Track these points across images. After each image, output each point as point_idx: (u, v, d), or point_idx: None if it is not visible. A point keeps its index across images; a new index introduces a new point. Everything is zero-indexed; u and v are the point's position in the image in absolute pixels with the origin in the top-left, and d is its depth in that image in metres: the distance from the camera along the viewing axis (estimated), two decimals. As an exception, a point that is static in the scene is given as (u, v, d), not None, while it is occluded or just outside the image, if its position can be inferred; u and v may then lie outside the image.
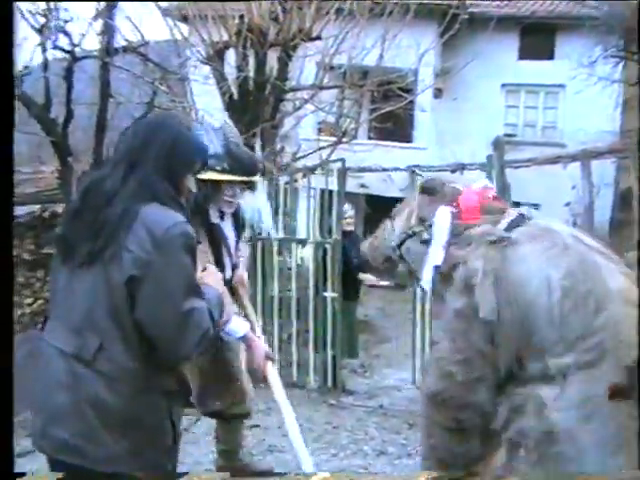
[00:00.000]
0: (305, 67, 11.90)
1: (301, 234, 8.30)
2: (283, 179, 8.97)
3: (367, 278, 8.25)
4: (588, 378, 2.71)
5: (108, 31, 8.63)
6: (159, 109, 9.55)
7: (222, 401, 4.46)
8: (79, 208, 2.60)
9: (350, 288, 8.25)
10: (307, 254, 8.84)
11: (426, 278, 3.36)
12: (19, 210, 8.52)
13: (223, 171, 4.02)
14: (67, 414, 2.46)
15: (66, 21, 8.21)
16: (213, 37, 11.06)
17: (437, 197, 3.45)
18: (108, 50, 8.52)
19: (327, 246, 7.88)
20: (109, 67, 8.58)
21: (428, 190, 3.51)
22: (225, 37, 11.06)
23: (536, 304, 2.85)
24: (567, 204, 13.37)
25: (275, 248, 8.25)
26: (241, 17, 10.76)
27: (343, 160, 8.11)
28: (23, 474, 2.48)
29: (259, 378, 3.90)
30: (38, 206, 8.59)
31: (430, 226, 3.40)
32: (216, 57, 11.09)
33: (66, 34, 8.28)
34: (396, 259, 3.65)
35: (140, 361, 2.50)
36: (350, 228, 8.37)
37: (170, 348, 2.52)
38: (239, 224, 4.40)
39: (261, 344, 3.87)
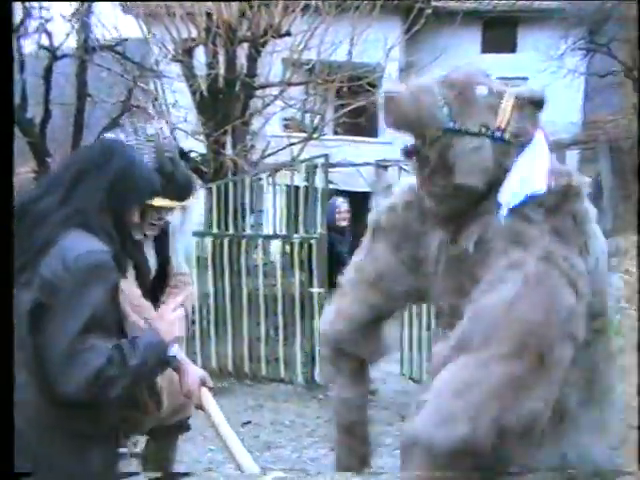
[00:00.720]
0: (273, 64, 11.93)
1: (284, 230, 8.37)
2: (257, 176, 9.04)
3: None
4: (587, 360, 2.62)
5: (85, 30, 8.55)
6: (136, 108, 9.51)
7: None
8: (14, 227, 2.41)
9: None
10: (274, 250, 8.92)
11: (511, 199, 2.54)
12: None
13: (155, 194, 3.24)
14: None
15: (47, 20, 8.11)
16: (182, 34, 11.03)
17: (537, 114, 2.71)
18: (86, 49, 8.45)
19: (312, 242, 7.92)
20: (86, 66, 8.51)
21: (542, 104, 2.73)
22: (194, 34, 11.05)
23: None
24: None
25: (260, 244, 8.34)
26: (209, 14, 10.75)
27: (327, 155, 8.18)
28: (23, 474, 2.35)
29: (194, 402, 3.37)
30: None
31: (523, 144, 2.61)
32: (185, 55, 11.06)
33: (47, 33, 8.18)
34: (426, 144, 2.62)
35: (44, 396, 2.37)
36: (344, 223, 8.24)
37: (55, 383, 2.34)
38: (162, 251, 3.83)
39: (193, 366, 3.40)
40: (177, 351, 3.16)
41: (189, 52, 11.10)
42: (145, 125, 3.55)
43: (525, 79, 19.36)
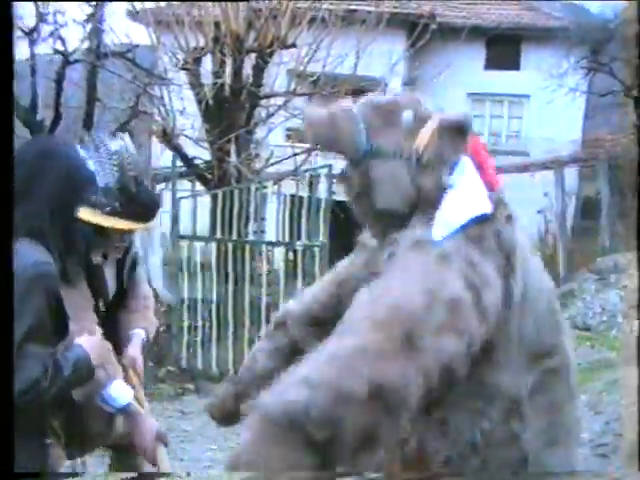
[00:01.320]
0: (278, 75, 12.08)
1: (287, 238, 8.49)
2: (262, 185, 9.19)
3: None
4: (546, 402, 2.50)
5: (97, 36, 8.71)
6: (144, 114, 9.65)
7: None
8: None
9: None
10: (278, 258, 9.07)
11: (449, 224, 2.37)
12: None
13: (113, 213, 3.18)
14: None
15: (61, 25, 8.25)
16: (190, 43, 11.18)
17: (463, 140, 2.49)
18: (97, 54, 8.60)
19: (315, 249, 8.03)
20: (97, 71, 8.66)
21: (463, 127, 2.48)
22: (201, 43, 11.21)
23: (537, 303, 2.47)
24: (539, 211, 13.68)
25: (264, 252, 8.47)
26: (217, 24, 10.91)
27: (330, 166, 8.31)
28: (23, 474, 2.42)
29: (148, 459, 3.21)
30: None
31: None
32: (193, 63, 11.20)
33: (61, 39, 8.33)
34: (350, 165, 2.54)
35: None
36: None
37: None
38: (124, 273, 3.72)
39: (150, 420, 3.22)
40: (132, 401, 3.17)
41: (197, 61, 11.24)
42: (108, 140, 3.27)
43: (527, 96, 19.57)
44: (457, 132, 2.45)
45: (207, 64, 11.34)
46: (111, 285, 3.66)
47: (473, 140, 2.51)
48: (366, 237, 2.82)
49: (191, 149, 11.41)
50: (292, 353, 2.97)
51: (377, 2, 12.97)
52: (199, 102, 10.77)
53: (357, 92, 12.89)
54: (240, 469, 2.07)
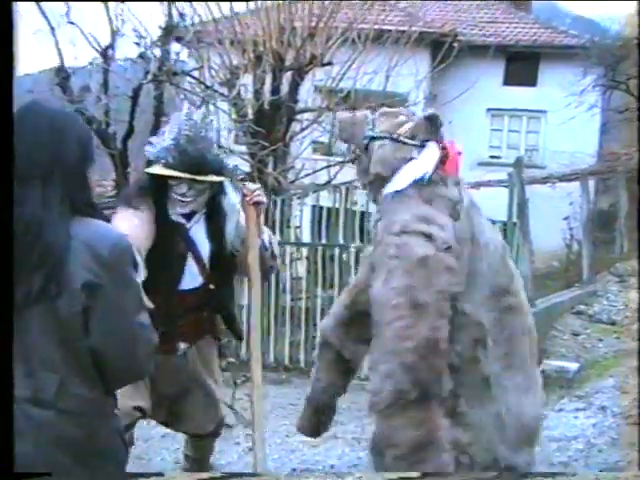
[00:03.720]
0: (311, 91, 12.76)
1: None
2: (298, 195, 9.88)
3: None
4: (502, 334, 3.25)
5: (167, 56, 9.46)
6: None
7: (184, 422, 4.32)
8: None
9: None
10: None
11: (398, 185, 3.27)
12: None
13: (166, 165, 3.77)
14: (35, 460, 2.29)
15: (150, 47, 9.02)
16: (232, 61, 11.84)
17: (436, 131, 3.33)
18: (167, 73, 9.33)
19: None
20: (164, 88, 9.38)
21: (435, 121, 3.32)
22: (241, 61, 11.88)
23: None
24: (565, 218, 14.34)
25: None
26: (255, 42, 11.58)
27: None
28: (23, 474, 2.34)
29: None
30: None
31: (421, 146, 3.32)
32: (233, 79, 11.87)
33: (145, 58, 9.08)
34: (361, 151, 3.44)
35: (97, 389, 2.38)
36: None
37: (125, 367, 2.41)
38: (216, 231, 4.01)
39: None
40: None
41: (238, 77, 11.91)
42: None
43: (544, 112, 20.19)
44: (427, 122, 3.32)
45: (246, 81, 11.99)
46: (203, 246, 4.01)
47: (449, 142, 3.35)
48: (367, 251, 3.75)
49: (232, 160, 12.04)
50: (341, 362, 3.87)
51: (406, 22, 13.66)
52: (242, 117, 11.40)
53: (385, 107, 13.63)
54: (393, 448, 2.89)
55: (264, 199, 4.00)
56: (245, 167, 12.03)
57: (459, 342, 3.10)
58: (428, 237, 3.04)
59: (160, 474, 3.56)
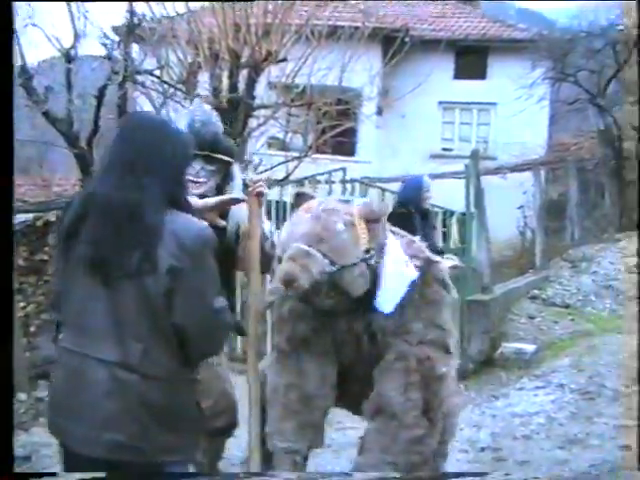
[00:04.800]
0: (267, 87, 12.94)
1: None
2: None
3: None
4: None
5: (129, 56, 9.58)
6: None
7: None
8: (97, 222, 2.60)
9: None
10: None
11: (392, 298, 3.50)
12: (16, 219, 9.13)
13: None
14: (119, 419, 2.57)
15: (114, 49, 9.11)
16: (188, 59, 11.96)
17: (379, 225, 3.60)
18: (131, 72, 9.45)
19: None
20: (127, 87, 9.50)
21: (376, 218, 3.58)
22: (198, 59, 11.99)
23: None
24: (519, 207, 14.71)
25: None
26: (211, 40, 11.70)
27: (344, 169, 9.09)
28: (23, 474, 2.58)
29: None
30: (32, 215, 9.17)
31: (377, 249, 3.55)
32: (191, 78, 11.99)
33: (110, 59, 9.18)
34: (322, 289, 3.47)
35: (179, 360, 2.66)
36: (427, 206, 7.88)
37: (204, 346, 2.73)
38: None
39: None
40: None
41: (194, 75, 12.03)
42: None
43: (494, 104, 20.55)
44: (375, 222, 3.56)
45: (202, 78, 12.12)
46: None
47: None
48: None
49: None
50: None
51: (359, 18, 13.89)
52: (200, 114, 11.49)
53: (340, 102, 13.85)
54: None
55: (266, 190, 4.07)
56: (204, 164, 12.19)
57: None
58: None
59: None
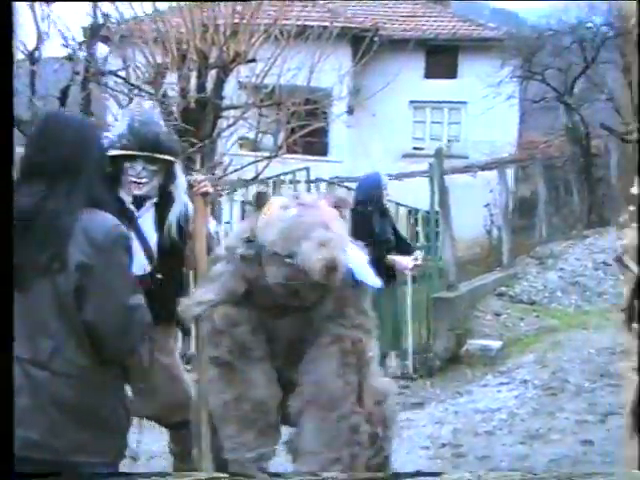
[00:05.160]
0: (236, 87, 12.92)
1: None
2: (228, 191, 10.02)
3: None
4: None
5: (93, 57, 9.54)
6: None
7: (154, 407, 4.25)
8: (16, 227, 2.56)
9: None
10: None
11: (369, 274, 3.57)
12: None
13: (122, 148, 3.98)
14: (31, 415, 2.56)
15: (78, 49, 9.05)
16: (156, 59, 11.91)
17: None
18: (95, 73, 9.41)
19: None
20: (90, 89, 9.46)
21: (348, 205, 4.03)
22: (166, 60, 11.95)
23: None
24: (486, 205, 14.80)
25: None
26: (179, 40, 11.67)
27: (308, 168, 9.10)
28: (23, 474, 2.48)
29: None
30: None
31: None
32: (159, 78, 11.95)
33: (71, 59, 9.14)
34: None
35: (91, 358, 2.63)
36: (388, 204, 7.94)
37: (117, 344, 2.67)
38: (165, 221, 4.13)
39: None
40: None
41: (162, 75, 11.99)
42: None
43: (464, 103, 20.66)
44: None
45: (170, 79, 12.07)
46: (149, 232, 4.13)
47: None
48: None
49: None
50: None
51: (328, 18, 13.91)
52: (168, 115, 11.47)
53: (309, 102, 13.87)
54: None
55: (211, 189, 4.13)
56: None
57: None
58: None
59: (161, 473, 3.65)
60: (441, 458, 5.34)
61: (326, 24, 13.47)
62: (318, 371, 3.46)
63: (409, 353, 8.60)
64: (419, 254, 7.66)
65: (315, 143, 18.36)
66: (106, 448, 2.71)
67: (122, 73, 11.03)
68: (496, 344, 8.65)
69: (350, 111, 19.35)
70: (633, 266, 3.20)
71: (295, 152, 18.52)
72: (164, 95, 11.46)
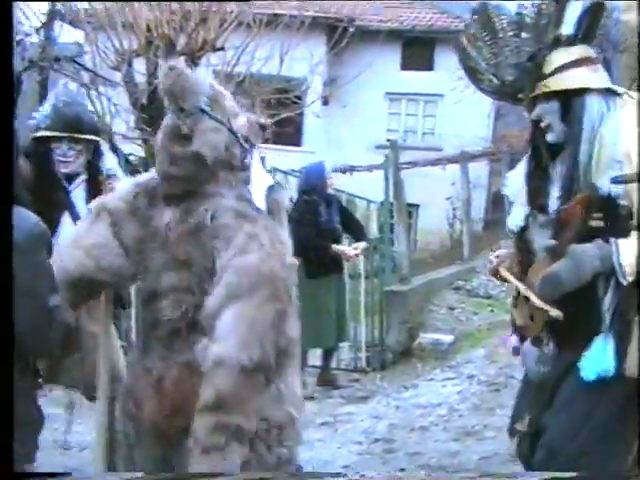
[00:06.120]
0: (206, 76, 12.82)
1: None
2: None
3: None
4: None
5: (51, 42, 9.43)
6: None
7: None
8: None
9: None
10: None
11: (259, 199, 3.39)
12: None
13: (46, 129, 4.25)
14: None
15: (27, 34, 8.94)
16: (123, 45, 11.81)
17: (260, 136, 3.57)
18: (56, 59, 9.31)
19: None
20: (48, 74, 9.36)
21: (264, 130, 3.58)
22: (133, 45, 11.85)
23: None
24: (448, 198, 14.79)
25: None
26: (148, 27, 11.56)
27: (263, 158, 9.03)
28: (23, 474, 2.53)
29: None
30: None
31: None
32: (126, 64, 11.85)
33: (23, 46, 9.05)
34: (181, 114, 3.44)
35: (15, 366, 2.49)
36: (332, 191, 7.99)
37: (35, 344, 2.60)
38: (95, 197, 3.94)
39: None
40: None
41: (129, 62, 11.89)
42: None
43: (441, 95, 20.61)
44: (261, 129, 3.39)
45: (138, 66, 11.98)
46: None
47: None
48: (109, 203, 3.40)
49: (126, 147, 12.05)
50: None
51: (300, 7, 13.81)
52: (135, 102, 11.39)
53: (280, 91, 13.79)
54: None
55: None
56: (140, 153, 12.05)
57: None
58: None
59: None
60: (371, 454, 5.32)
61: (298, 13, 13.42)
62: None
63: (362, 346, 8.60)
64: (361, 245, 7.75)
65: (289, 133, 18.26)
66: (17, 452, 2.51)
67: (88, 58, 10.94)
68: (448, 338, 8.66)
69: (325, 102, 19.31)
70: (511, 278, 3.19)
71: (268, 142, 18.54)
72: (127, 82, 11.38)
